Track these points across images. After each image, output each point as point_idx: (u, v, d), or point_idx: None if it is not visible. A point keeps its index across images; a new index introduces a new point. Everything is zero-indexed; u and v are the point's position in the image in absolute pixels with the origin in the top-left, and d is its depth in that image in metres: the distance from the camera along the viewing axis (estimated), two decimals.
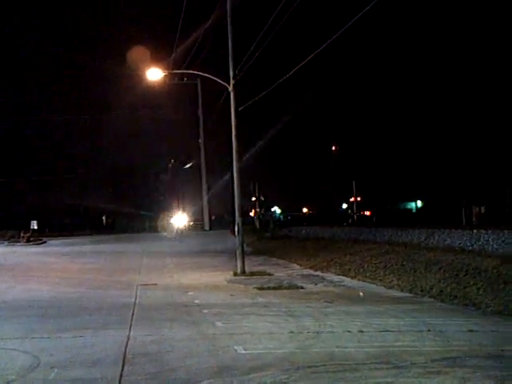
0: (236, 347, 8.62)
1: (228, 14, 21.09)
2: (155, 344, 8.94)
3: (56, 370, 7.51)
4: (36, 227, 48.93)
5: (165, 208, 63.35)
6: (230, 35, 20.96)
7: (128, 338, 9.33)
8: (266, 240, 37.21)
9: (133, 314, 11.89)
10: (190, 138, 56.91)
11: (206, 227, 53.67)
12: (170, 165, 67.61)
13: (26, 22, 67.20)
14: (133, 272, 21.09)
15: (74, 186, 68.59)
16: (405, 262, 18.72)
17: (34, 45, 63.72)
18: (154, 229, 60.95)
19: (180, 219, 53.90)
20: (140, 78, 29.04)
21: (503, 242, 18.66)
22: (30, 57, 65.04)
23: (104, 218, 74.95)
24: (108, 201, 68.38)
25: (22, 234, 43.45)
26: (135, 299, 14.14)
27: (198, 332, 9.87)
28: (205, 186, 54.64)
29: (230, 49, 20.93)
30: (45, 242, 42.98)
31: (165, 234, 49.55)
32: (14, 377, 7.31)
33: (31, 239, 43.08)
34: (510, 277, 14.43)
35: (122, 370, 7.53)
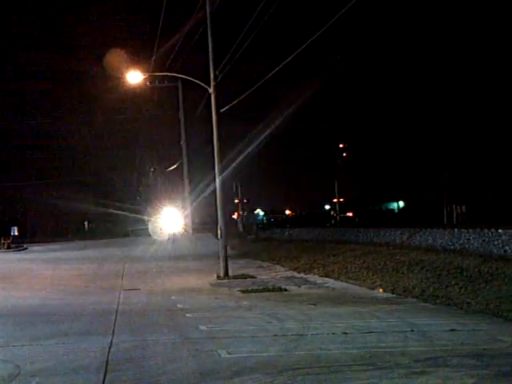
0: (220, 351, 8.58)
1: (207, 16, 21.05)
2: (138, 349, 8.87)
3: (37, 379, 7.40)
4: (17, 233, 48.33)
5: (148, 212, 62.94)
6: (209, 36, 20.93)
7: (111, 344, 9.24)
8: (250, 242, 37.23)
9: (115, 319, 11.78)
10: (172, 140, 56.69)
11: (189, 230, 53.40)
12: (151, 168, 67.26)
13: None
14: (116, 277, 20.94)
15: (55, 191, 67.93)
16: (387, 262, 18.84)
17: (12, 48, 63.00)
18: (137, 233, 60.51)
19: (173, 223, 53.14)
20: (119, 81, 28.84)
21: (484, 241, 18.84)
22: (7, 59, 64.16)
23: (86, 222, 74.34)
24: (90, 205, 67.83)
25: (2, 241, 42.88)
26: (118, 305, 14.03)
27: (182, 336, 9.81)
28: (187, 189, 54.38)
29: (210, 50, 20.89)
30: (26, 249, 42.50)
31: (154, 238, 49.07)
32: None
33: (12, 246, 42.57)
34: (490, 276, 14.58)
35: (105, 376, 7.46)
